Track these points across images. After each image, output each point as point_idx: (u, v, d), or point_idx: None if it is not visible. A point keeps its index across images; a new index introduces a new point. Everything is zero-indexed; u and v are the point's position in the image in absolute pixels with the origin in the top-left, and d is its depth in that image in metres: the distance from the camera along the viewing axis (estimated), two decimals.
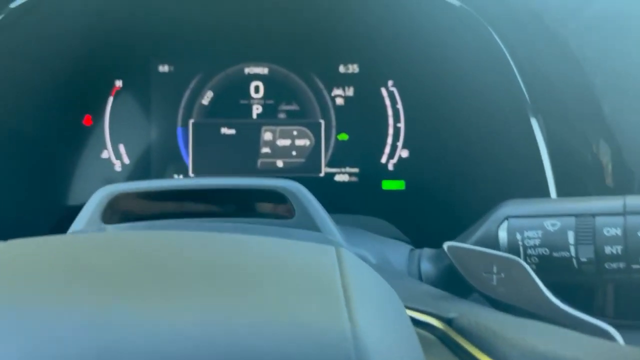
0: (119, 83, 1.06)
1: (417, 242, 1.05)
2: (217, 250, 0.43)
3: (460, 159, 1.02)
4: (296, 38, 1.07)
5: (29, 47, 0.96)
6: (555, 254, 0.56)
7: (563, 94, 0.85)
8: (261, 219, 0.62)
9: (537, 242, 0.57)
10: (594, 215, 0.56)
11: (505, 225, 0.60)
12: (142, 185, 0.61)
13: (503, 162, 0.96)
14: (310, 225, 0.61)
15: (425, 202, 1.05)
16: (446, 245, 0.50)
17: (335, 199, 1.07)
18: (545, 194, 0.87)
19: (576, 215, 0.57)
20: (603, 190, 0.81)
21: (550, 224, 0.57)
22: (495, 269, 0.48)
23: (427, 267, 0.66)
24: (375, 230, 1.03)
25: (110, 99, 1.06)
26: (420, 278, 0.66)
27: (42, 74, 0.99)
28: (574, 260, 0.56)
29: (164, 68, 1.08)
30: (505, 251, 0.59)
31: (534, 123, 0.88)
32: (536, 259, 0.58)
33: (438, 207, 1.04)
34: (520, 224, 0.59)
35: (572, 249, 0.56)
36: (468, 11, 0.86)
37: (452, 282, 0.63)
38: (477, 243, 0.61)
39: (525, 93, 0.88)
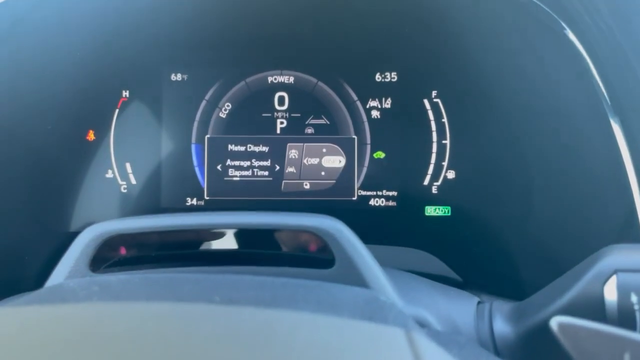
0: (125, 93, 0.94)
1: (465, 277, 0.92)
2: (251, 336, 0.30)
3: (517, 181, 0.87)
4: (325, 43, 0.94)
5: (32, 52, 0.85)
6: None
7: None
8: (291, 268, 0.49)
9: None
10: None
11: (613, 281, 0.45)
12: (139, 223, 0.48)
13: (573, 183, 0.80)
14: (355, 277, 0.48)
15: (474, 231, 0.91)
16: (555, 322, 0.36)
17: (370, 227, 0.93)
18: (630, 219, 0.72)
19: None
20: None
21: None
22: (628, 359, 0.34)
23: (502, 328, 0.52)
24: (419, 265, 0.89)
25: (116, 112, 0.94)
26: (493, 341, 0.52)
27: (40, 83, 0.87)
28: None
29: (177, 76, 0.95)
30: (613, 317, 0.45)
31: (617, 132, 0.72)
32: None
33: (489, 237, 0.89)
34: (636, 282, 0.44)
35: None
36: (537, 6, 0.71)
37: (538, 350, 0.49)
38: (572, 305, 0.47)
39: (607, 97, 0.72)
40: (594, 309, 0.45)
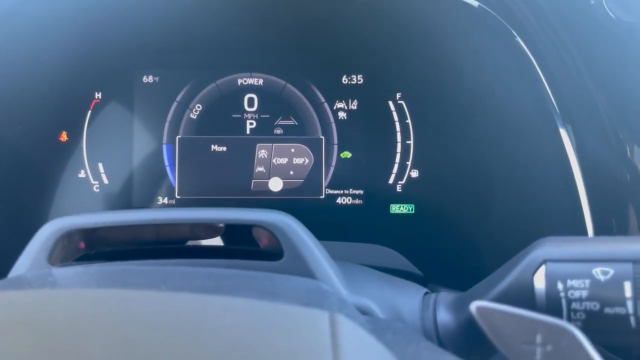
0: (98, 95, 0.96)
1: (428, 272, 0.95)
2: (183, 319, 0.32)
3: (477, 180, 0.91)
4: (293, 46, 0.97)
5: (5, 55, 0.86)
6: (607, 310, 0.45)
7: (595, 101, 0.74)
8: (243, 261, 0.51)
9: (584, 294, 0.46)
10: None
11: (542, 271, 0.48)
12: (97, 219, 0.51)
13: (528, 182, 0.84)
14: (302, 268, 0.50)
15: (437, 228, 0.94)
16: (474, 305, 0.39)
17: (337, 224, 0.97)
18: (578, 216, 0.76)
19: (634, 261, 0.45)
20: None
21: (600, 272, 0.46)
22: (539, 339, 0.37)
23: (444, 317, 0.54)
24: (382, 261, 0.92)
25: (89, 113, 0.96)
26: (436, 330, 0.54)
27: (13, 85, 0.89)
28: (632, 319, 0.44)
29: (148, 78, 0.98)
30: (542, 305, 0.48)
31: (564, 134, 0.77)
32: (582, 315, 0.46)
33: (451, 234, 0.93)
34: (562, 271, 0.47)
35: (629, 303, 0.44)
36: (488, 13, 0.75)
37: (476, 338, 0.52)
38: (505, 293, 0.50)
39: (554, 101, 0.77)
40: (525, 297, 0.48)
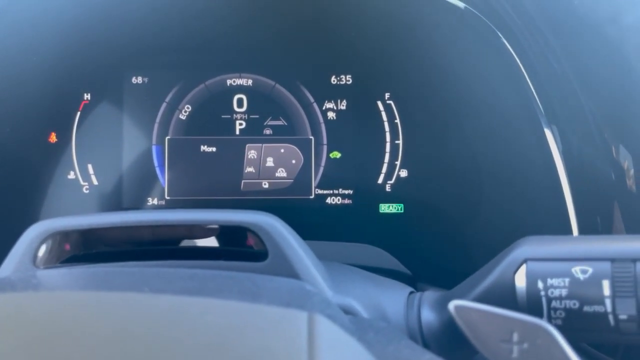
0: (87, 96, 0.96)
1: (417, 272, 0.96)
2: (163, 321, 0.33)
3: (466, 179, 0.91)
4: (282, 46, 0.97)
5: None
6: (586, 309, 0.45)
7: (580, 101, 0.75)
8: (227, 262, 0.51)
9: (564, 292, 0.46)
10: (635, 260, 0.45)
11: (523, 270, 0.49)
12: (82, 221, 0.51)
13: (514, 181, 0.85)
14: (287, 268, 0.51)
15: (426, 228, 0.95)
16: (452, 305, 0.39)
17: (327, 224, 0.97)
18: (564, 215, 0.77)
19: (612, 260, 0.46)
20: (626, 197, 0.71)
21: (580, 271, 0.46)
22: (516, 337, 0.37)
23: (428, 316, 0.55)
24: (371, 260, 0.93)
25: (78, 114, 0.96)
26: (420, 329, 0.55)
27: (1, 87, 0.89)
28: (610, 317, 0.45)
29: (137, 79, 0.98)
30: (523, 303, 0.48)
31: (549, 134, 0.77)
32: (562, 313, 0.47)
33: (440, 233, 0.93)
34: (543, 270, 0.48)
35: (607, 302, 0.45)
36: (474, 14, 0.76)
37: (459, 337, 0.53)
38: (487, 292, 0.50)
39: (539, 102, 0.77)
40: (506, 295, 0.49)
